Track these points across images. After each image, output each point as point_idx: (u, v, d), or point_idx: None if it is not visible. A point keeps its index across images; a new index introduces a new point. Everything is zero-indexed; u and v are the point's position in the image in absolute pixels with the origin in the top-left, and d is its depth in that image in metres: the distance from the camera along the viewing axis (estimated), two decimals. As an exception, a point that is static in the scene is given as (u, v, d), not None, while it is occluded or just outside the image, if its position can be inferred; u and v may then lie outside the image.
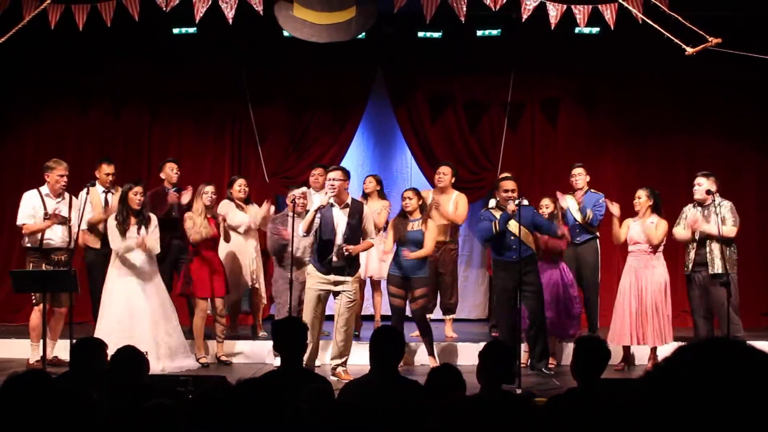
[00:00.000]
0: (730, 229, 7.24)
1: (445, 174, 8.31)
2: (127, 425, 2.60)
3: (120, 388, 3.78)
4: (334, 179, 6.81)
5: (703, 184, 7.35)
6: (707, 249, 7.26)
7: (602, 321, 8.26)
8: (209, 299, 7.57)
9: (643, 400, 1.36)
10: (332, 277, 6.90)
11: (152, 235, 7.24)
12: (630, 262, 7.43)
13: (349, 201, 6.97)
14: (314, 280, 6.94)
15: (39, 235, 7.38)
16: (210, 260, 7.55)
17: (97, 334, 6.78)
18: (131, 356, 4.07)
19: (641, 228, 7.34)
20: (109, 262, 7.33)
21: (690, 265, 7.37)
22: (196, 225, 7.42)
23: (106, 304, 7.18)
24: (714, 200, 7.24)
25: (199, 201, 7.53)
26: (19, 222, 7.45)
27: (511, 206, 6.94)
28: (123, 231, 7.14)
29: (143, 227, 7.23)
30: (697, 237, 7.32)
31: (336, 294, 6.93)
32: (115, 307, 7.11)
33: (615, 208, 7.52)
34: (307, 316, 6.88)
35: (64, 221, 7.41)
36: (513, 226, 7.00)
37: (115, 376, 3.96)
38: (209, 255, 7.55)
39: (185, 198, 7.91)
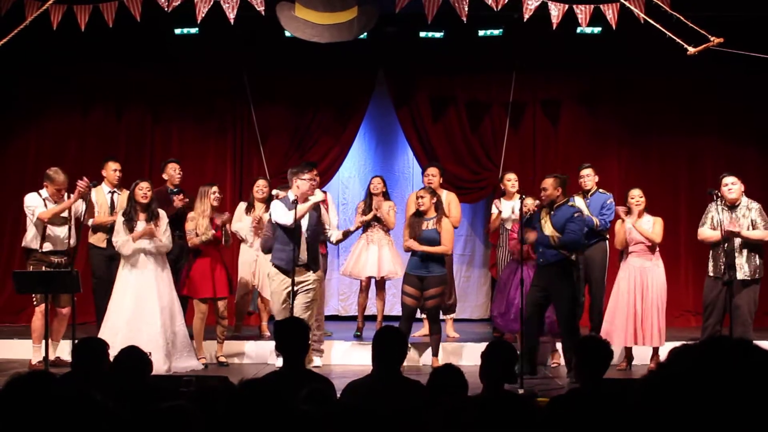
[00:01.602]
0: (763, 233, 7.17)
1: (433, 175, 8.28)
2: (140, 427, 2.59)
3: (123, 388, 3.77)
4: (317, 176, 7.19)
5: (736, 183, 7.23)
6: (737, 253, 7.16)
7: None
8: (210, 300, 7.50)
9: (646, 399, 1.36)
10: (295, 278, 6.81)
11: (164, 233, 7.19)
12: (631, 262, 7.39)
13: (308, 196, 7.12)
14: (278, 280, 6.89)
15: (38, 239, 7.35)
16: (213, 260, 7.50)
17: (103, 332, 6.77)
18: (134, 357, 4.06)
19: (640, 230, 7.30)
20: (114, 263, 7.33)
21: (722, 268, 7.16)
22: (199, 227, 7.40)
23: (115, 302, 7.11)
24: (742, 200, 7.20)
25: (206, 201, 7.47)
26: (38, 215, 7.26)
27: (528, 206, 6.99)
28: (131, 228, 7.09)
29: (152, 224, 7.20)
30: (725, 239, 7.11)
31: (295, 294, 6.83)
32: (125, 306, 7.04)
33: (629, 219, 7.34)
34: (279, 317, 6.79)
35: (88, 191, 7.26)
36: (547, 227, 6.98)
37: (118, 377, 3.95)
38: (212, 255, 7.50)
39: (177, 204, 7.83)
